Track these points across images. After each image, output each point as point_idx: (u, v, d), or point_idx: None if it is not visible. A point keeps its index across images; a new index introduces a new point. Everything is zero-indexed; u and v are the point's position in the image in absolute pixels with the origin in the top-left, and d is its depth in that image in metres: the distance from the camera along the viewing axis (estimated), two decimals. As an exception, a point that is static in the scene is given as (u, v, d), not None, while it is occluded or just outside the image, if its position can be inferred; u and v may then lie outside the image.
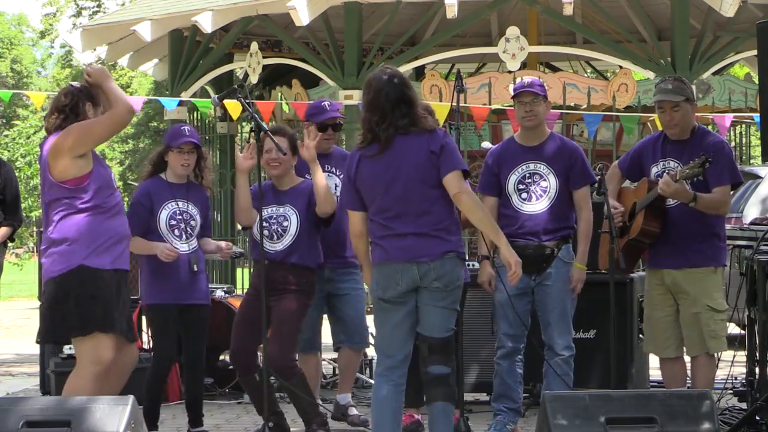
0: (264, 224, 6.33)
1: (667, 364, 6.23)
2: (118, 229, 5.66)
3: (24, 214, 9.95)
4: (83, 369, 5.50)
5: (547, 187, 6.36)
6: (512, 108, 10.14)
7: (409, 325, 5.35)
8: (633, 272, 7.18)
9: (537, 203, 6.35)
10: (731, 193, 6.34)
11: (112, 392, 5.58)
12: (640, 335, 7.29)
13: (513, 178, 6.39)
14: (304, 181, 6.52)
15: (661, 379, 6.73)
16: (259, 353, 6.50)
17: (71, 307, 5.50)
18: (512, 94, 6.53)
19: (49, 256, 5.62)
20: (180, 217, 6.63)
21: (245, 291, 6.84)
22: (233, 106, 10.33)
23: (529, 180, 6.38)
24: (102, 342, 5.52)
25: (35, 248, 26.46)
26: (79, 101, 5.66)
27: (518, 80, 6.61)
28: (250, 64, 13.59)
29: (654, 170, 6.18)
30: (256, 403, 6.49)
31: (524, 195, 6.36)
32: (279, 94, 14.57)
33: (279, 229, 6.39)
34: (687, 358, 6.23)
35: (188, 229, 6.67)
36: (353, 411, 6.99)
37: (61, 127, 5.63)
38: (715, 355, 6.13)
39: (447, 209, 5.33)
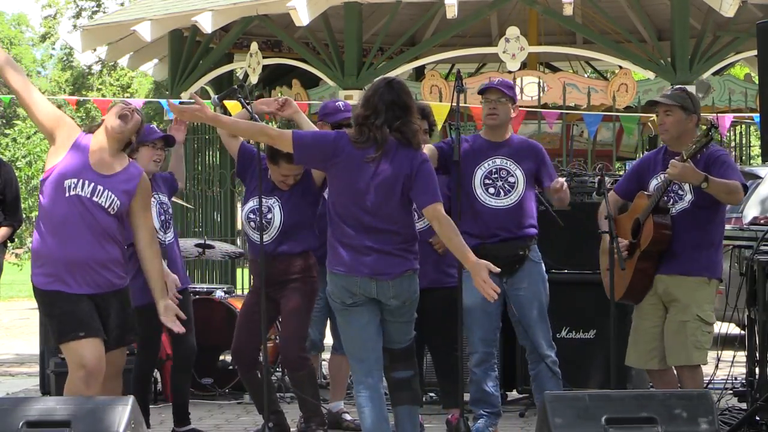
0: (251, 216, 6.34)
1: (656, 376, 6.15)
2: (52, 253, 5.41)
3: (24, 215, 9.96)
4: (71, 374, 5.43)
5: (514, 183, 6.33)
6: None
7: (376, 326, 5.34)
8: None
9: (505, 198, 6.31)
10: None
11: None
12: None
13: (480, 173, 6.33)
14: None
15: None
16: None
17: (43, 319, 5.51)
18: (479, 91, 6.46)
19: None
20: (161, 209, 6.68)
21: (246, 290, 6.84)
22: (233, 107, 10.33)
23: (496, 175, 6.33)
24: (77, 347, 5.38)
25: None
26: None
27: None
28: (250, 64, 13.59)
29: (653, 183, 6.10)
30: (257, 402, 6.49)
31: (491, 190, 6.31)
32: (279, 94, 14.56)
33: (264, 222, 6.39)
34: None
35: (169, 219, 6.75)
36: (347, 417, 7.01)
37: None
38: (700, 365, 6.02)
39: (411, 230, 5.35)
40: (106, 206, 5.44)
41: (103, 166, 5.49)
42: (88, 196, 5.41)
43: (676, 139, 6.05)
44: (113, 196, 5.46)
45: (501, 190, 6.31)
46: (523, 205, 6.35)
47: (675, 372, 6.10)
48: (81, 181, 5.41)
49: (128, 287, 5.65)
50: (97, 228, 5.42)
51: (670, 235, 5.96)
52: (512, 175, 6.33)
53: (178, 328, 5.55)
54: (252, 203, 6.32)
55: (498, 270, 5.29)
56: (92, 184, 5.42)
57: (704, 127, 5.79)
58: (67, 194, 5.39)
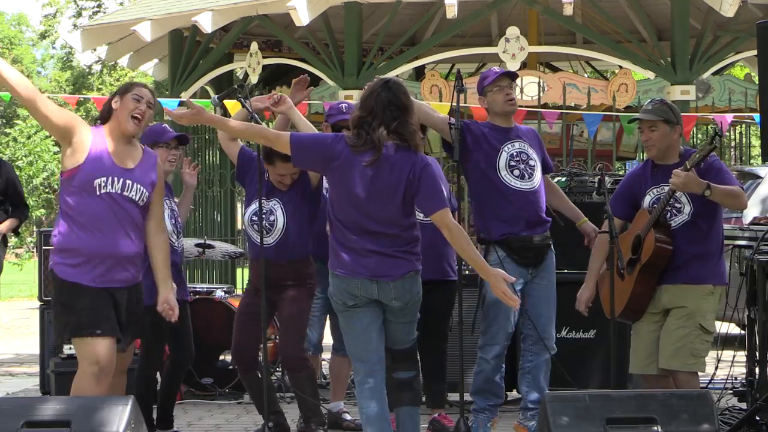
0: (254, 218, 6.34)
1: (652, 381, 6.09)
2: (84, 246, 5.45)
3: (24, 215, 10.02)
4: (81, 370, 5.46)
5: (534, 166, 6.35)
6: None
7: (378, 326, 5.32)
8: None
9: (529, 181, 6.31)
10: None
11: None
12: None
13: (504, 155, 6.31)
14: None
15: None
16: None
17: (55, 309, 5.52)
18: (488, 82, 6.36)
19: None
20: (173, 214, 6.66)
21: (245, 288, 6.83)
22: (233, 106, 10.33)
23: (518, 158, 6.32)
24: (92, 343, 5.42)
25: (35, 248, 26.48)
26: (110, 99, 5.65)
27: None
28: (250, 64, 13.59)
29: (647, 198, 6.06)
30: (257, 402, 6.48)
31: (516, 172, 6.30)
32: (279, 94, 14.57)
33: (267, 224, 6.38)
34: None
35: (178, 225, 6.72)
36: (347, 417, 7.02)
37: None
38: (697, 372, 5.98)
39: (414, 233, 5.31)
40: (137, 199, 5.54)
41: (125, 160, 5.57)
42: (119, 192, 5.50)
43: (663, 152, 6.04)
44: (141, 188, 5.57)
45: (525, 173, 6.31)
46: (541, 190, 6.38)
47: (671, 381, 6.04)
48: (110, 178, 5.49)
49: (141, 282, 5.71)
50: (129, 222, 5.52)
51: (671, 250, 5.92)
52: (531, 159, 6.35)
53: (172, 317, 5.68)
54: (254, 206, 6.33)
55: (513, 280, 5.29)
56: (121, 180, 5.51)
57: (712, 131, 5.77)
58: (98, 192, 5.46)
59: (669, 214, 5.97)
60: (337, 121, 6.76)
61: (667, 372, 5.97)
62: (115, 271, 5.49)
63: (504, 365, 6.44)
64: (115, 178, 5.50)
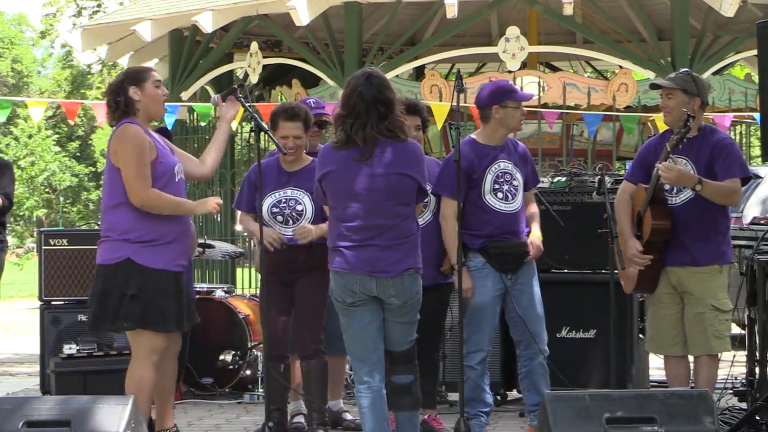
0: (275, 209, 6.34)
1: (672, 363, 6.18)
2: (167, 229, 5.66)
3: (26, 213, 10.03)
4: (143, 360, 5.65)
5: (518, 186, 6.33)
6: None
7: (378, 325, 5.33)
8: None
9: (512, 202, 6.29)
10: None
11: (170, 379, 5.88)
12: (641, 335, 7.29)
13: (489, 178, 6.29)
14: (312, 161, 6.41)
15: (661, 379, 6.72)
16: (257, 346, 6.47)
17: (118, 302, 5.58)
18: (513, 97, 6.32)
19: (101, 243, 5.71)
20: None
21: (246, 290, 6.79)
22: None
23: (502, 179, 6.32)
24: (155, 336, 5.66)
25: (36, 248, 26.51)
26: (120, 91, 5.72)
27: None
28: (250, 64, 13.59)
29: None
30: (271, 396, 6.38)
31: (500, 194, 6.29)
32: (279, 94, 14.56)
33: (294, 214, 6.38)
34: (690, 357, 6.22)
35: None
36: (347, 416, 7.00)
37: (114, 119, 5.74)
38: (718, 355, 6.10)
39: (412, 225, 5.33)
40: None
41: (165, 144, 5.86)
42: (182, 175, 5.84)
43: (678, 120, 6.05)
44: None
45: (508, 194, 6.29)
46: (523, 208, 6.38)
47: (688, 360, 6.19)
48: (177, 164, 5.80)
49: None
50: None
51: (669, 224, 5.98)
52: (515, 179, 6.32)
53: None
54: (271, 199, 6.35)
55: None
56: (178, 163, 5.82)
57: (685, 115, 5.81)
58: (176, 179, 5.74)
59: (674, 189, 6.01)
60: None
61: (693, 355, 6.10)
62: (187, 251, 5.82)
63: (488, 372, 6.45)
64: (178, 164, 5.81)
